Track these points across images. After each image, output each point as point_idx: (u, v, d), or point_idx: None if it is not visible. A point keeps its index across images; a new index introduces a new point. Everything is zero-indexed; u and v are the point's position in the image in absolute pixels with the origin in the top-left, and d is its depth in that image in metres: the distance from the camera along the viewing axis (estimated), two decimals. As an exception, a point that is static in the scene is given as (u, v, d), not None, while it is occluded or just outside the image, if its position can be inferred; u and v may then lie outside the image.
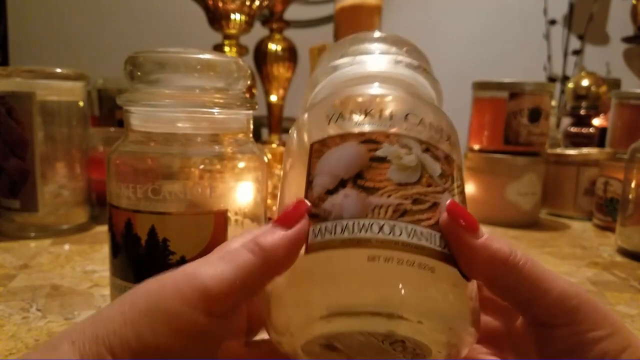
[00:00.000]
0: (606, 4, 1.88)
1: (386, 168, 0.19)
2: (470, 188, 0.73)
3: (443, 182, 0.20)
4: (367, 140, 0.20)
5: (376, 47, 0.26)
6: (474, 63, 1.88)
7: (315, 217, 0.19)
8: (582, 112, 0.95)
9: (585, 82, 0.95)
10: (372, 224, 0.18)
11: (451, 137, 0.22)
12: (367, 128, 0.20)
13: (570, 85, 0.98)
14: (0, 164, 0.54)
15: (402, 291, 0.17)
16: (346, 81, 0.25)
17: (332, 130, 0.21)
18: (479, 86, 0.73)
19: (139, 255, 0.28)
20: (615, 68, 1.85)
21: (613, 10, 1.90)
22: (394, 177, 0.19)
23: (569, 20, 1.83)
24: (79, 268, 0.45)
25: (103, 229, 0.58)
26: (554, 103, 0.86)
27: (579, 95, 0.95)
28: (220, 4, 0.62)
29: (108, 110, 0.85)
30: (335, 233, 0.18)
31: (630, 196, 0.57)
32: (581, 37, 1.84)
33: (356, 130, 0.20)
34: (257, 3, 0.63)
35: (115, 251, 0.30)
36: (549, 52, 1.92)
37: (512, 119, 0.69)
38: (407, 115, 0.21)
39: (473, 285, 0.19)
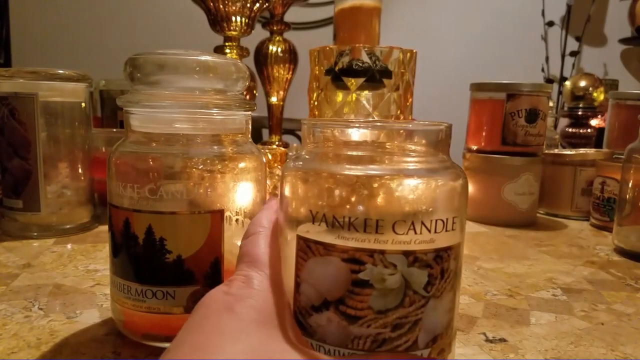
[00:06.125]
0: (603, 6, 1.89)
1: (368, 294, 0.20)
2: (468, 188, 0.73)
3: (429, 290, 0.20)
4: (351, 259, 0.20)
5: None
6: (472, 64, 1.88)
7: (303, 328, 0.21)
8: (580, 112, 0.95)
9: (582, 83, 0.95)
10: (351, 355, 0.20)
11: (456, 217, 0.21)
12: (351, 243, 0.20)
13: (568, 86, 0.99)
14: (3, 164, 0.54)
15: None
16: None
17: (317, 228, 0.21)
18: (477, 87, 0.74)
19: (137, 254, 0.29)
20: (612, 69, 1.86)
21: (610, 12, 1.90)
22: (375, 304, 0.20)
23: (567, 22, 1.84)
24: (82, 267, 0.45)
25: (105, 228, 0.58)
26: (551, 104, 0.86)
27: (577, 96, 0.95)
28: (221, 7, 0.62)
29: (110, 112, 0.85)
30: (319, 351, 0.20)
31: (627, 196, 0.57)
32: (579, 39, 1.84)
33: (340, 243, 0.20)
34: (257, 5, 0.63)
35: (115, 250, 0.30)
36: (546, 54, 1.93)
37: (509, 119, 0.70)
38: (394, 224, 0.20)
39: None
